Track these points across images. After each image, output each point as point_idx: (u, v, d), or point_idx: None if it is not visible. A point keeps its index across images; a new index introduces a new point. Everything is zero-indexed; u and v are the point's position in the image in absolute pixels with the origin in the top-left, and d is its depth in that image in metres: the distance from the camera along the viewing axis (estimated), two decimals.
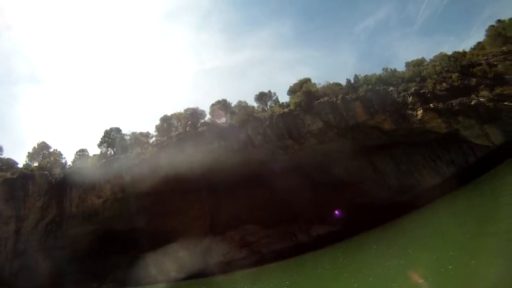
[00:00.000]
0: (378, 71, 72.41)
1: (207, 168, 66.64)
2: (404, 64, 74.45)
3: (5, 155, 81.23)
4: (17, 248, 66.59)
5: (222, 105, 75.92)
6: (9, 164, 77.03)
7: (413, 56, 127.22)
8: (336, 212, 69.52)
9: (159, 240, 69.47)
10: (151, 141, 77.63)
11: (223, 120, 70.78)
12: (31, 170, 72.52)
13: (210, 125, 71.96)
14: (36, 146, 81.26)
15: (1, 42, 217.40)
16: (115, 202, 67.75)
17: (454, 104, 58.20)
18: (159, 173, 66.81)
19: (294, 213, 71.48)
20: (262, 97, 78.34)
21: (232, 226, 73.65)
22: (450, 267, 21.90)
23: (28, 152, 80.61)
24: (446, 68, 63.99)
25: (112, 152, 78.33)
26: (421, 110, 59.42)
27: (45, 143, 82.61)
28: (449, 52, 69.15)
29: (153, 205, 68.74)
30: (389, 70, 71.10)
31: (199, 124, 73.82)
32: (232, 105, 77.11)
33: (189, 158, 66.26)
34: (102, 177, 69.08)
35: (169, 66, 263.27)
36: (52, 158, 77.60)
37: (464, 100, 58.26)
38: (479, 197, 48.21)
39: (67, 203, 67.98)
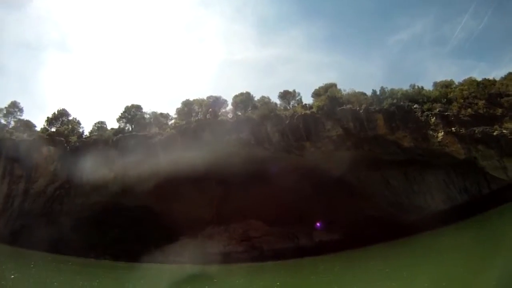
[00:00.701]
0: (405, 86, 73.40)
1: (221, 158, 67.97)
2: (432, 84, 75.62)
3: (25, 117, 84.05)
4: (23, 208, 69.14)
5: (245, 98, 77.57)
6: (28, 125, 79.44)
7: (442, 77, 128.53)
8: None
9: (163, 221, 71.86)
10: (170, 122, 79.45)
11: (230, 115, 72.10)
12: (48, 135, 74.87)
13: (231, 115, 74.27)
14: (56, 112, 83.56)
15: (35, 6, 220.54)
16: (125, 178, 69.46)
17: (476, 132, 59.30)
18: (173, 155, 68.95)
19: (299, 215, 73.29)
20: (286, 95, 79.91)
21: (236, 219, 75.37)
22: None
23: (47, 117, 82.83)
24: (473, 94, 65.39)
25: (130, 128, 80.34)
26: (443, 133, 60.54)
27: (65, 110, 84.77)
28: (479, 78, 70.82)
29: (162, 186, 69.96)
30: (416, 87, 72.29)
31: (219, 113, 75.65)
32: (255, 99, 78.73)
33: (205, 145, 68.27)
34: (117, 151, 71.45)
35: (198, 53, 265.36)
36: (70, 126, 79.95)
37: (487, 129, 59.35)
38: (485, 230, 50.40)
39: (78, 172, 70.17)
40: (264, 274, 54.22)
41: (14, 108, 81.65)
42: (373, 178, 71.62)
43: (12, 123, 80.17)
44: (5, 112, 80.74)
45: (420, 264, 40.33)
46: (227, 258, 69.49)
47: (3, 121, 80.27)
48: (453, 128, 60.69)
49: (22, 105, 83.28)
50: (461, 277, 30.12)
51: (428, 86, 74.18)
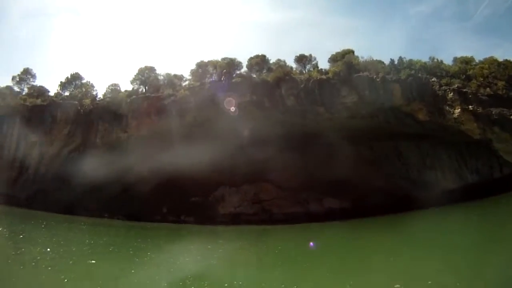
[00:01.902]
0: (424, 58, 73.72)
1: (235, 118, 70.86)
2: (452, 59, 75.27)
3: (38, 83, 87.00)
4: (38, 172, 73.45)
5: (260, 60, 78.83)
6: (41, 91, 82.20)
7: (462, 53, 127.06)
8: None
9: (176, 181, 75.61)
10: (184, 84, 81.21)
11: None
12: (61, 99, 78.59)
13: (245, 77, 75.39)
14: (69, 76, 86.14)
15: None
16: (139, 139, 73.12)
17: (493, 113, 60.13)
18: (187, 116, 72.36)
19: (311, 181, 76.57)
20: (301, 59, 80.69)
21: (248, 181, 79.72)
22: (429, 282, 23.11)
23: (61, 81, 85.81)
24: (493, 74, 65.94)
25: (144, 90, 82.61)
26: (459, 109, 61.56)
27: (78, 74, 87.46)
28: (500, 59, 70.55)
29: (176, 143, 72.90)
30: (435, 60, 72.59)
31: (234, 75, 77.16)
32: (271, 62, 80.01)
33: (218, 106, 70.92)
34: (131, 113, 74.57)
35: (213, 13, 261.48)
36: (83, 89, 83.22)
37: (504, 112, 60.20)
38: (492, 214, 53.09)
39: (92, 134, 74.41)
40: (270, 236, 57.66)
41: (26, 74, 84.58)
42: (386, 149, 74.85)
43: (26, 90, 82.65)
44: (18, 79, 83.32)
45: (423, 239, 41.95)
46: (237, 220, 74.60)
47: (16, 88, 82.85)
48: (470, 106, 61.55)
49: (34, 71, 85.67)
50: (464, 256, 32.00)
51: (447, 61, 74.55)
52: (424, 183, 70.44)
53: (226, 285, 24.21)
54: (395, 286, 21.83)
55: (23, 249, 33.41)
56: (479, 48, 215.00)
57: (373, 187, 72.83)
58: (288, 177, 76.19)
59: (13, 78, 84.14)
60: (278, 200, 77.96)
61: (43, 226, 52.52)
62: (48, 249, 33.16)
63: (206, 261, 34.70)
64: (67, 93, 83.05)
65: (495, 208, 55.99)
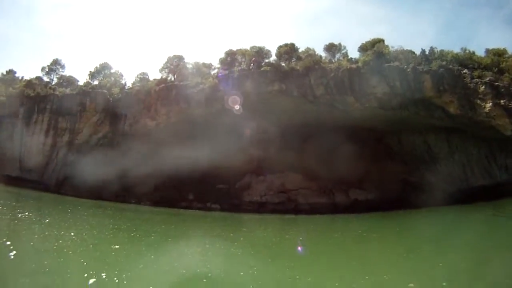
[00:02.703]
0: (455, 49, 73.23)
1: (262, 107, 72.94)
2: (484, 50, 74.41)
3: (68, 73, 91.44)
4: (67, 158, 77.10)
5: (289, 49, 79.73)
6: (70, 81, 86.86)
7: (494, 43, 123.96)
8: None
9: (202, 168, 77.50)
10: (212, 72, 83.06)
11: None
12: (90, 88, 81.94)
13: (274, 66, 76.26)
14: (98, 66, 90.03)
15: None
16: (168, 126, 75.61)
17: None
18: (215, 104, 74.12)
19: (337, 172, 76.90)
20: (331, 48, 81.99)
21: (274, 170, 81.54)
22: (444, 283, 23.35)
23: (90, 71, 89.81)
24: None
25: (173, 78, 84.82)
26: (491, 103, 61.24)
27: (107, 63, 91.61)
28: None
29: (204, 132, 75.78)
30: (467, 51, 72.09)
31: (263, 64, 78.17)
32: (300, 51, 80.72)
33: (246, 95, 72.20)
34: (159, 101, 77.05)
35: (242, 1, 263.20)
36: (112, 78, 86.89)
37: None
38: None
39: (121, 121, 77.63)
40: (293, 226, 58.67)
41: (56, 65, 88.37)
42: (414, 141, 75.41)
43: (55, 80, 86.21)
44: (47, 70, 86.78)
45: (446, 236, 42.28)
46: (262, 208, 76.68)
47: (46, 79, 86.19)
48: (502, 101, 61.10)
49: (63, 62, 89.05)
50: (486, 257, 31.35)
51: (479, 52, 73.97)
52: (452, 178, 71.12)
53: (241, 273, 25.91)
54: (409, 285, 22.15)
55: (46, 233, 35.35)
56: (511, 39, 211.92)
57: (400, 180, 74.12)
58: (314, 168, 77.11)
59: (43, 68, 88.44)
60: (304, 190, 79.58)
61: (69, 210, 55.29)
62: (72, 233, 35.07)
63: (228, 249, 35.64)
64: (96, 82, 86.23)
65: None
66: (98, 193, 72.97)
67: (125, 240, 37.27)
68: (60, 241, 31.25)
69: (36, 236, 33.81)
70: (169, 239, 39.77)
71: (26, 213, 46.07)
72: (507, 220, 50.97)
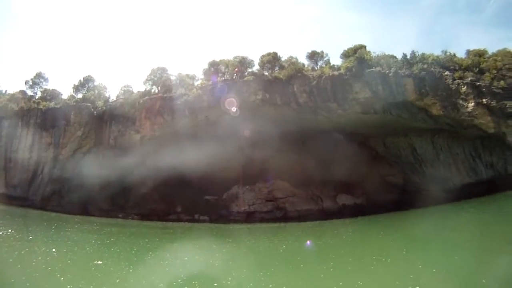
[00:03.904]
0: (437, 52, 73.75)
1: (248, 116, 71.30)
2: (465, 52, 74.68)
3: (51, 86, 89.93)
4: (52, 174, 75.40)
5: (272, 58, 79.03)
6: (54, 94, 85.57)
7: (475, 45, 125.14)
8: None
9: (190, 180, 76.45)
10: (196, 83, 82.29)
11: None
12: (74, 101, 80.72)
13: (257, 75, 75.73)
14: (82, 79, 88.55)
15: None
16: (153, 139, 74.12)
17: (507, 106, 60.22)
18: (199, 115, 73.20)
19: (324, 178, 76.92)
20: (313, 55, 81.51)
21: (262, 179, 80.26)
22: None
23: (74, 84, 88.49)
24: (507, 66, 65.39)
25: (157, 90, 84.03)
26: (473, 103, 61.61)
27: (91, 76, 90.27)
28: None
29: (189, 142, 73.61)
30: (448, 53, 72.29)
31: (246, 73, 77.73)
32: (282, 59, 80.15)
33: (231, 105, 71.02)
34: (143, 113, 75.62)
35: (223, 12, 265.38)
36: (96, 91, 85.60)
37: None
38: (506, 210, 53.30)
39: (105, 135, 76.02)
40: (280, 235, 56.98)
41: (39, 78, 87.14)
42: (399, 144, 74.44)
43: (39, 93, 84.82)
44: (31, 83, 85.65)
45: (436, 235, 42.47)
46: (251, 218, 75.34)
47: (29, 92, 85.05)
48: (484, 100, 61.61)
49: (46, 75, 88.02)
50: (476, 253, 32.03)
51: (460, 54, 74.27)
52: (438, 178, 70.18)
53: (224, 282, 24.93)
54: None
55: (26, 249, 34.65)
56: (491, 41, 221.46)
57: (387, 183, 73.42)
58: (301, 174, 76.02)
59: (26, 82, 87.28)
60: (292, 197, 78.34)
61: (53, 227, 54.18)
62: (53, 249, 34.74)
63: (207, 260, 34.93)
64: (80, 96, 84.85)
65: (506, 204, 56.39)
66: (85, 209, 71.75)
67: (105, 255, 36.65)
68: (39, 258, 30.65)
69: (16, 252, 32.81)
70: (150, 253, 38.98)
71: (9, 230, 45.14)
72: (490, 218, 50.93)
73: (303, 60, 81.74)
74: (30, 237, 42.61)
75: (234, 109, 71.10)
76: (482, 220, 50.14)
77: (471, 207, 58.32)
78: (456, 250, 33.93)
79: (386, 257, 32.41)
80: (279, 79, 73.09)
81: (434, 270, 26.35)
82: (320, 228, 62.31)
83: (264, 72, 78.22)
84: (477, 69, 66.80)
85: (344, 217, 67.17)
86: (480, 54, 71.17)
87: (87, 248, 39.32)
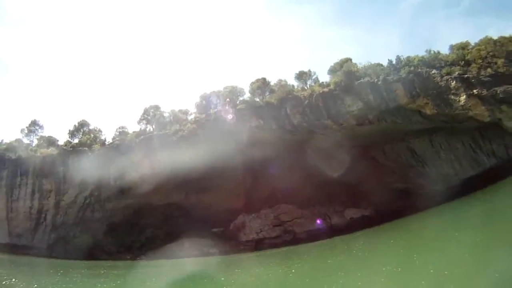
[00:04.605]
0: (421, 53, 73.71)
1: (245, 145, 70.81)
2: (448, 47, 75.14)
3: (46, 133, 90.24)
4: (56, 221, 74.78)
5: (261, 83, 79.45)
6: (50, 141, 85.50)
7: (457, 39, 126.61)
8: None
9: (194, 215, 75.28)
10: (189, 118, 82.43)
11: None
12: (71, 147, 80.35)
13: (249, 103, 75.93)
14: (77, 124, 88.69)
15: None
16: (152, 177, 73.05)
17: (498, 92, 59.98)
18: (197, 148, 72.04)
19: (329, 195, 76.12)
20: (302, 75, 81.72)
21: (267, 205, 78.75)
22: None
23: (69, 130, 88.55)
24: (491, 53, 65.74)
25: (151, 129, 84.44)
26: (464, 96, 61.48)
27: (85, 120, 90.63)
28: (495, 37, 70.44)
29: (189, 181, 73.13)
30: (432, 52, 72.48)
31: (238, 102, 77.83)
32: (272, 83, 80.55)
33: (227, 135, 71.23)
34: (141, 153, 75.38)
35: (208, 43, 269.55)
36: (91, 135, 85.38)
37: (509, 88, 60.06)
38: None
39: (105, 178, 74.43)
40: (289, 259, 55.23)
41: (34, 126, 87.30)
42: (398, 149, 73.27)
43: (35, 141, 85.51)
44: (26, 131, 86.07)
45: (445, 236, 42.00)
46: (260, 245, 73.32)
47: (25, 140, 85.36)
48: (474, 90, 61.43)
49: (41, 122, 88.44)
50: (486, 250, 31.55)
51: (444, 50, 74.60)
52: (442, 176, 68.86)
53: None
54: None
55: None
56: (473, 31, 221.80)
57: (392, 190, 71.68)
58: (305, 194, 74.73)
59: (22, 130, 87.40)
60: (299, 219, 76.40)
61: (59, 274, 52.41)
62: None
63: None
64: (76, 141, 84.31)
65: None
66: (91, 253, 70.30)
67: None
68: None
69: None
70: None
71: (13, 280, 44.02)
72: (497, 209, 49.79)
73: (292, 81, 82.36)
74: (35, 285, 41.20)
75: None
76: (489, 212, 48.97)
77: (477, 200, 57.33)
78: (467, 248, 33.19)
79: (396, 267, 32.02)
80: (271, 104, 73.26)
81: (446, 273, 25.79)
82: (330, 245, 61.33)
83: (255, 98, 78.49)
84: (463, 62, 67.00)
85: (354, 231, 65.28)
86: (463, 46, 71.59)
87: None
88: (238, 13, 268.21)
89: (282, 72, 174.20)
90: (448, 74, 64.84)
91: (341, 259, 45.97)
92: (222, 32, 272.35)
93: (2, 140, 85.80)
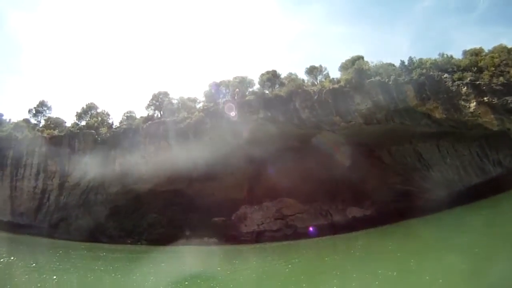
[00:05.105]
0: (433, 56, 72.65)
1: (251, 136, 70.95)
2: (461, 52, 73.80)
3: (54, 114, 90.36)
4: (59, 202, 75.28)
5: (271, 75, 79.07)
6: (58, 122, 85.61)
7: (470, 45, 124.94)
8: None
9: (197, 203, 75.23)
10: (198, 106, 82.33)
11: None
12: (78, 129, 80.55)
13: (258, 94, 75.46)
14: (85, 106, 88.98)
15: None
16: (157, 163, 73.23)
17: (509, 101, 58.96)
18: (203, 137, 72.28)
19: (332, 192, 75.50)
20: (312, 70, 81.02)
21: (269, 198, 78.46)
22: None
23: (77, 112, 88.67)
24: (504, 62, 64.66)
25: (159, 115, 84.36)
26: (475, 103, 60.45)
27: (94, 103, 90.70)
28: (510, 45, 69.23)
29: (194, 169, 73.29)
30: (445, 56, 71.43)
31: (247, 93, 77.42)
32: (282, 76, 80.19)
33: (234, 126, 71.32)
34: (148, 138, 75.48)
35: (220, 34, 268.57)
36: (99, 118, 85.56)
37: None
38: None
39: (110, 161, 74.58)
40: (287, 254, 55.30)
41: (42, 107, 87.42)
42: (405, 152, 72.87)
43: (43, 122, 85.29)
44: (34, 112, 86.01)
45: (453, 240, 41.47)
46: (261, 237, 73.18)
47: (33, 121, 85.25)
48: (485, 98, 60.47)
49: (49, 103, 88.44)
50: (495, 254, 31.58)
51: (457, 55, 73.20)
52: (447, 182, 68.53)
53: None
54: None
55: (26, 276, 34.07)
56: (486, 38, 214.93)
57: (395, 192, 71.30)
58: (308, 190, 74.31)
59: (30, 111, 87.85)
60: (301, 214, 76.25)
61: (58, 254, 52.81)
62: (54, 277, 34.00)
63: (208, 284, 35.29)
64: (83, 123, 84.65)
65: None
66: (93, 236, 70.54)
67: (106, 282, 36.66)
68: (39, 285, 30.38)
69: (16, 279, 32.54)
70: (151, 278, 37.50)
71: (12, 258, 44.32)
72: (499, 219, 49.08)
73: (302, 75, 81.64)
74: (33, 264, 41.60)
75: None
76: (490, 222, 48.36)
77: (480, 208, 56.40)
78: (464, 257, 32.70)
79: (392, 271, 31.53)
80: (280, 97, 72.52)
81: (440, 281, 25.59)
82: (329, 243, 61.36)
83: (264, 90, 77.92)
84: (476, 68, 65.86)
85: (355, 230, 65.02)
86: (477, 53, 70.48)
87: (89, 275, 38.49)
88: (251, 5, 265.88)
89: (293, 66, 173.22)
90: (459, 79, 63.86)
91: (339, 258, 45.96)
92: (234, 24, 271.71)
93: (9, 120, 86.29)
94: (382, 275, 30.17)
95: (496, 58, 65.95)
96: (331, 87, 70.27)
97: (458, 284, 25.59)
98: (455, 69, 66.68)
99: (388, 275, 30.10)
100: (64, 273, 37.37)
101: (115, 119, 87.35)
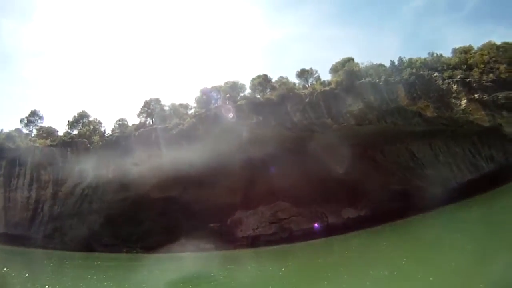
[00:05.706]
0: (423, 55, 73.26)
1: (244, 141, 70.25)
2: (451, 51, 74.66)
3: (46, 123, 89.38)
4: (53, 212, 74.25)
5: (262, 80, 78.89)
6: (50, 132, 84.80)
7: (460, 43, 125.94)
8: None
9: (192, 209, 74.66)
10: (190, 112, 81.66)
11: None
12: (70, 138, 79.87)
13: (249, 99, 75.15)
14: (77, 115, 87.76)
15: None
16: (151, 171, 72.48)
17: (499, 97, 59.61)
18: (196, 144, 71.33)
19: (326, 194, 74.63)
20: (303, 73, 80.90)
21: (264, 202, 77.87)
22: None
23: (68, 121, 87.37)
24: (494, 59, 65.25)
25: (151, 122, 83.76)
26: (465, 100, 61.11)
27: (85, 112, 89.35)
28: (498, 42, 70.03)
29: (188, 175, 72.18)
30: (435, 55, 72.23)
31: (238, 98, 77.00)
32: (273, 80, 79.90)
33: (226, 131, 70.41)
34: (140, 146, 74.55)
35: (210, 39, 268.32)
36: (91, 127, 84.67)
37: (510, 94, 59.77)
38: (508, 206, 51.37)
39: (104, 170, 73.89)
40: (281, 259, 54.96)
41: (34, 116, 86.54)
42: (397, 151, 72.85)
43: (35, 131, 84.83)
44: (26, 121, 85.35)
45: (446, 238, 41.74)
46: (256, 242, 72.67)
47: (25, 130, 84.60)
48: (475, 95, 61.10)
49: (41, 113, 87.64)
50: (488, 251, 31.44)
51: (446, 54, 74.30)
52: (440, 179, 68.26)
53: None
54: None
55: (18, 287, 34.38)
56: (475, 36, 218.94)
57: (390, 191, 71.11)
58: (303, 192, 73.91)
59: (21, 120, 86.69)
60: (296, 217, 75.93)
61: (51, 264, 52.73)
62: (47, 286, 33.55)
63: None
64: (75, 132, 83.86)
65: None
66: (88, 245, 69.75)
67: None
68: None
69: None
70: (143, 285, 37.32)
71: (5, 269, 43.40)
72: (493, 214, 49.52)
73: (293, 79, 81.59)
74: (26, 275, 40.68)
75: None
76: (485, 219, 48.58)
77: (475, 205, 56.81)
78: (457, 256, 32.92)
79: (384, 270, 31.74)
80: (271, 101, 72.44)
81: (431, 279, 25.53)
82: (324, 245, 61.30)
83: (256, 94, 77.81)
84: (465, 66, 66.56)
85: (350, 231, 64.82)
86: (466, 51, 71.14)
87: (81, 285, 37.79)
88: (241, 9, 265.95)
89: (284, 70, 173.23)
90: (450, 77, 64.48)
91: (332, 260, 46.21)
92: (224, 28, 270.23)
93: (1, 130, 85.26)
94: (373, 276, 30.17)
95: (486, 55, 66.60)
96: (322, 90, 70.40)
97: (448, 283, 25.37)
98: (445, 68, 67.43)
99: (380, 275, 30.20)
100: (57, 282, 36.70)
101: (107, 127, 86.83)
